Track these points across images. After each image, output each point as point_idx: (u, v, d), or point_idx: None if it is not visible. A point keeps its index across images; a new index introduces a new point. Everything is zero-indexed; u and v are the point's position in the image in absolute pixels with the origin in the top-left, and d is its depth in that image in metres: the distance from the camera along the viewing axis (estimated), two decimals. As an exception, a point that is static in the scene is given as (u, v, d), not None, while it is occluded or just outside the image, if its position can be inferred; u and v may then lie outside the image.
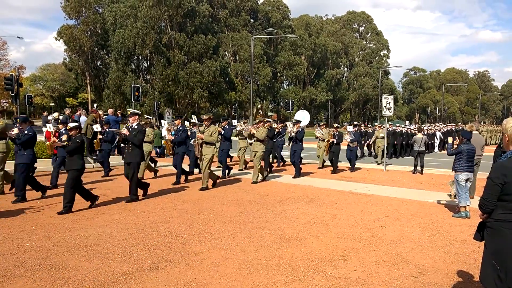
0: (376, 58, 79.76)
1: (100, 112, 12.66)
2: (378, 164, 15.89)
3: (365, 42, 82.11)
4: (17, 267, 4.52)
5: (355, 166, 14.07)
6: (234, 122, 14.15)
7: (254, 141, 11.18)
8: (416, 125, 28.63)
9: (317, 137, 14.28)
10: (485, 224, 3.07)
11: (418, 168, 13.39)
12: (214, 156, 10.10)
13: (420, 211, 7.67)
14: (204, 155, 9.54)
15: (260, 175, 11.04)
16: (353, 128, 14.61)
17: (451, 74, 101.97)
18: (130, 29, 48.99)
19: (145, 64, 58.33)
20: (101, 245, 5.32)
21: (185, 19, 52.89)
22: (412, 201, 8.61)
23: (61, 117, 13.22)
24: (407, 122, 39.57)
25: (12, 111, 49.57)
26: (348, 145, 13.79)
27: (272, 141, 13.09)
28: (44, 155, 12.50)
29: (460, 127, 26.50)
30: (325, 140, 13.26)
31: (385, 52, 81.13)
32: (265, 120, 12.63)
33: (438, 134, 23.33)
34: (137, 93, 20.82)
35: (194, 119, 11.56)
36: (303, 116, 17.18)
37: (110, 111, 17.36)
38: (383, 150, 15.04)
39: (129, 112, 8.79)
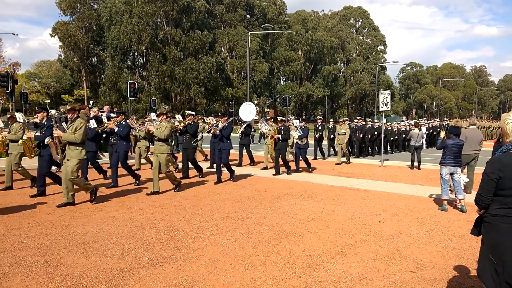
0: (373, 53, 79.69)
1: (95, 109, 12.51)
2: (337, 164, 14.29)
3: (361, 38, 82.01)
4: (15, 264, 4.50)
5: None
6: (296, 122, 12.71)
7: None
8: (413, 120, 28.26)
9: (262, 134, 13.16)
10: (481, 219, 3.07)
11: (416, 163, 13.43)
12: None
13: (417, 206, 7.68)
14: (67, 160, 7.15)
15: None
16: (300, 122, 12.64)
17: (447, 69, 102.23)
18: (126, 25, 48.73)
19: (141, 61, 58.09)
20: (98, 242, 5.30)
21: (181, 15, 52.66)
22: (410, 197, 8.63)
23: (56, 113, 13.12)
24: (404, 118, 39.67)
25: (8, 108, 49.30)
26: (296, 142, 12.29)
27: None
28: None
29: (445, 123, 26.11)
30: (270, 137, 11.94)
31: (382, 47, 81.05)
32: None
33: (423, 129, 21.70)
34: (133, 86, 20.78)
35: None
36: (249, 110, 14.30)
37: (106, 107, 17.26)
38: (361, 148, 14.99)
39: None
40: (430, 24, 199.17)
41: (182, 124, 10.76)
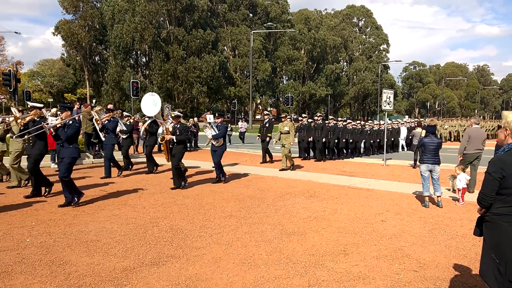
0: (376, 52, 79.58)
1: (98, 108, 12.54)
2: (281, 170, 12.16)
3: (364, 37, 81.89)
4: (18, 263, 4.52)
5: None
6: (210, 118, 10.62)
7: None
8: (415, 119, 28.10)
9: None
10: (483, 219, 3.06)
11: (418, 163, 13.40)
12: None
13: (420, 205, 7.66)
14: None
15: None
16: (216, 119, 10.45)
17: (450, 69, 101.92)
18: (128, 24, 48.80)
19: (144, 59, 58.21)
20: (101, 241, 5.31)
21: (184, 14, 52.70)
22: (413, 196, 8.61)
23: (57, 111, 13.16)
24: (406, 117, 39.55)
25: (112, 109, 49.44)
26: (212, 144, 10.13)
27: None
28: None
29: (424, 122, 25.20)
30: (160, 138, 10.29)
31: (385, 46, 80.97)
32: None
33: (404, 129, 20.22)
34: (136, 85, 20.79)
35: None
36: (153, 102, 11.23)
37: (110, 106, 17.28)
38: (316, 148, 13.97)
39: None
40: (432, 23, 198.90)
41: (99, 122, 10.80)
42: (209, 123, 10.12)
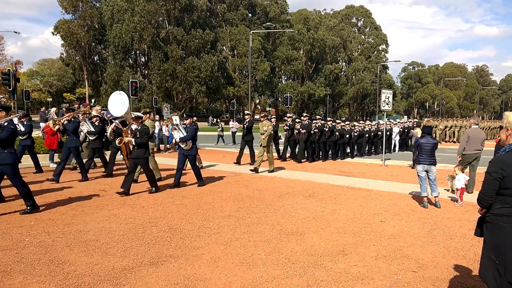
0: (375, 52, 79.55)
1: (98, 108, 12.51)
2: (252, 170, 11.67)
3: (363, 37, 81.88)
4: (17, 262, 4.51)
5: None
6: (176, 119, 9.80)
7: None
8: (414, 119, 28.00)
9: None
10: (484, 219, 3.07)
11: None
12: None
13: (419, 206, 7.67)
14: None
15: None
16: (184, 120, 9.81)
17: (449, 69, 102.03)
18: (128, 23, 48.71)
19: (143, 59, 58.08)
20: (100, 240, 5.31)
21: (183, 14, 52.63)
22: (411, 196, 8.62)
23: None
24: (405, 117, 39.57)
25: (10, 107, 49.31)
26: (179, 146, 9.61)
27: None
28: (42, 150, 12.43)
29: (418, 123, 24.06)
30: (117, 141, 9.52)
31: (384, 46, 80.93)
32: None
33: (396, 130, 19.37)
34: (135, 84, 20.78)
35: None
36: (121, 101, 10.14)
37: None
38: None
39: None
40: (431, 23, 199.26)
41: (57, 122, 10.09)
42: (176, 124, 9.51)
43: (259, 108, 77.05)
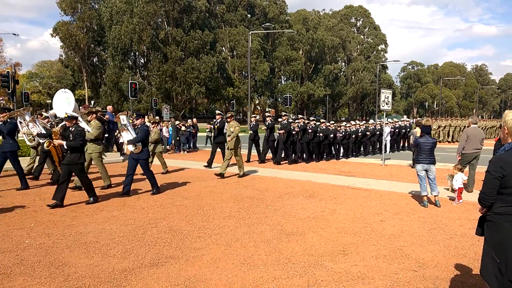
0: (374, 52, 79.62)
1: (98, 108, 12.49)
2: (218, 174, 10.85)
3: (362, 37, 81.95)
4: (17, 264, 4.51)
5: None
6: (124, 119, 8.84)
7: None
8: (415, 119, 27.84)
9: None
10: (485, 218, 3.07)
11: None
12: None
13: (419, 205, 7.67)
14: None
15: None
16: (134, 119, 9.11)
17: (448, 68, 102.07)
18: (127, 25, 48.73)
19: (142, 60, 58.08)
20: (100, 242, 5.30)
21: (182, 15, 52.63)
22: (411, 195, 8.62)
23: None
24: (405, 116, 39.60)
25: (9, 108, 49.35)
26: (131, 151, 8.62)
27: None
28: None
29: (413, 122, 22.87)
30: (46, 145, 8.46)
31: (383, 46, 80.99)
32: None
33: (387, 130, 18.14)
34: (134, 86, 20.79)
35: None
36: (67, 100, 9.57)
37: (109, 108, 17.27)
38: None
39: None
40: (429, 23, 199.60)
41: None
42: (125, 125, 8.62)
43: (259, 108, 77.00)
